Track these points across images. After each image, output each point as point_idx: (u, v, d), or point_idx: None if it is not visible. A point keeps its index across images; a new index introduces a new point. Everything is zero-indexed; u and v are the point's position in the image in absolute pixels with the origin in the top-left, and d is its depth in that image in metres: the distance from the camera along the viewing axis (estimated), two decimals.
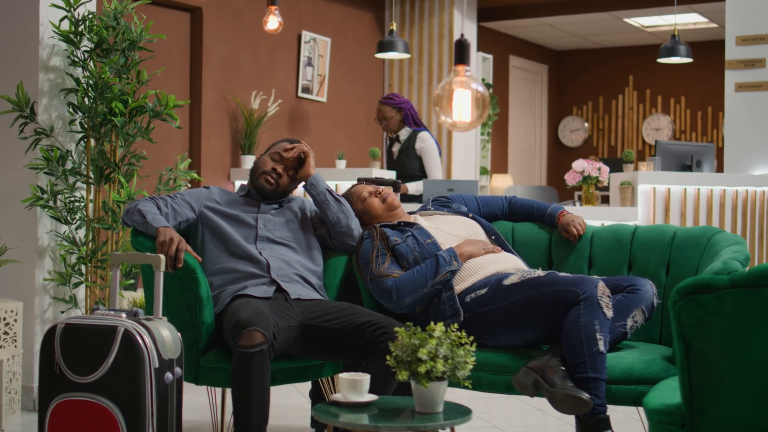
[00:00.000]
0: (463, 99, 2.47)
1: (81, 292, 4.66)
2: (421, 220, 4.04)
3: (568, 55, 11.30)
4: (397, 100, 6.65)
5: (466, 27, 8.68)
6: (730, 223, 6.84)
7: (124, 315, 3.04)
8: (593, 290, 3.36)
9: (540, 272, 3.59)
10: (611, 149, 11.10)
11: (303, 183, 4.04)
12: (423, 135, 6.70)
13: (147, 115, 4.62)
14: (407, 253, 3.80)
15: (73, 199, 4.56)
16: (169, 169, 4.76)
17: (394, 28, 7.44)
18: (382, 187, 4.15)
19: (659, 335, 3.72)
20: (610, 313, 3.38)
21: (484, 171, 9.21)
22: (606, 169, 6.65)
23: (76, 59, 4.55)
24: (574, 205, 7.14)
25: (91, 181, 4.60)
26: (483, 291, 3.63)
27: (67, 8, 4.49)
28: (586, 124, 11.18)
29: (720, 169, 8.35)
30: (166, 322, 3.15)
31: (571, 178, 6.65)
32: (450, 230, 3.94)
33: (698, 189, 6.81)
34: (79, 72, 4.63)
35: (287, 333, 3.43)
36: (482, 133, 9.14)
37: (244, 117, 7.34)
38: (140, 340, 2.95)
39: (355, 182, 4.30)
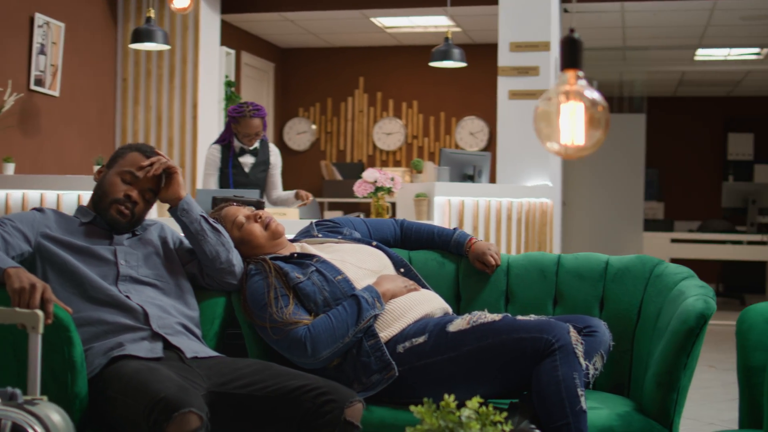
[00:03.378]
0: (575, 115, 1.81)
1: None
2: (314, 250, 3.30)
3: (294, 53, 10.70)
4: (263, 110, 5.75)
5: (208, 18, 7.85)
6: (519, 235, 6.58)
7: None
8: (567, 337, 2.82)
9: (488, 314, 2.99)
10: (340, 153, 10.65)
11: (169, 207, 3.16)
12: (273, 147, 5.95)
13: None
14: (314, 293, 3.05)
15: None
16: None
17: (152, 16, 6.47)
18: (261, 211, 3.36)
19: (611, 383, 3.24)
20: (584, 363, 2.87)
21: None
22: (399, 179, 6.15)
23: None
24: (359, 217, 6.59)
25: None
26: (421, 339, 2.98)
27: None
28: (314, 127, 10.66)
29: (493, 179, 8.14)
30: (51, 404, 2.25)
31: (361, 189, 6.07)
32: (357, 263, 3.23)
33: (489, 201, 6.50)
34: None
35: None
36: None
37: None
38: None
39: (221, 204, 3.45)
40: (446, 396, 2.19)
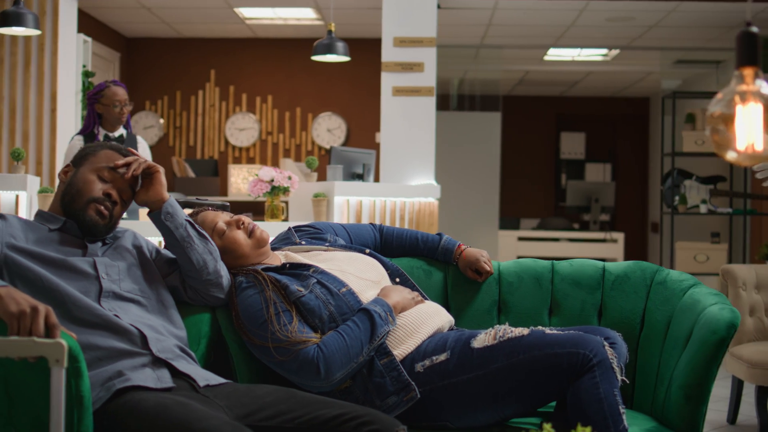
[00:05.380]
0: (753, 117, 1.61)
1: None
2: (303, 259, 2.98)
3: (141, 43, 10.10)
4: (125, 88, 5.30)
5: (66, 4, 7.23)
6: None
7: None
8: (603, 351, 2.65)
9: (512, 328, 2.77)
10: (190, 149, 10.13)
11: (149, 211, 2.78)
12: (142, 140, 5.49)
13: None
14: (318, 308, 2.76)
15: None
16: None
17: None
18: (241, 216, 3.01)
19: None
20: (620, 378, 2.71)
21: None
22: (296, 178, 5.84)
23: None
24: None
25: None
26: (443, 356, 2.73)
27: None
28: (162, 121, 10.10)
29: (377, 177, 7.90)
30: None
31: (257, 189, 5.73)
32: (357, 273, 2.95)
33: (385, 201, 6.27)
34: None
35: None
36: None
37: None
38: None
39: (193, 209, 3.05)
40: (546, 426, 1.94)
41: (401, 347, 2.77)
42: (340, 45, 6.87)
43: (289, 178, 5.79)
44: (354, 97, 9.95)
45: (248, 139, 10.04)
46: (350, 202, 6.02)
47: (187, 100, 10.12)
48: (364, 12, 8.56)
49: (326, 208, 5.87)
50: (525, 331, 2.72)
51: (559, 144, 13.87)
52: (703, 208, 8.01)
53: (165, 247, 2.86)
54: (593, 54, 10.54)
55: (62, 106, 7.26)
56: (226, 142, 10.08)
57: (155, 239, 3.69)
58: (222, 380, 2.53)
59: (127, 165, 2.70)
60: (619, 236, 10.54)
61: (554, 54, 10.49)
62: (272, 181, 5.75)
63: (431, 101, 6.98)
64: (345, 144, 9.84)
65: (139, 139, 5.67)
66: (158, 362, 2.47)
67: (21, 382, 2.19)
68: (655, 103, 13.01)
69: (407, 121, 6.97)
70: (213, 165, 9.63)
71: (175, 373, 2.47)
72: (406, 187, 6.50)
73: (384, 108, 6.98)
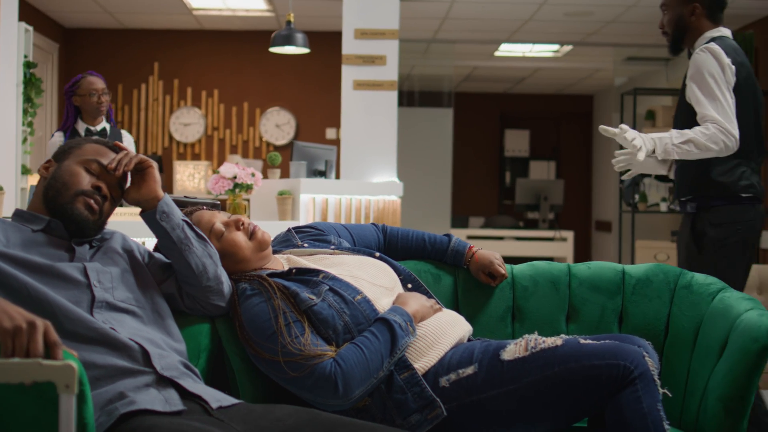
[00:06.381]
0: None
1: None
2: (309, 263, 2.73)
3: (81, 34, 9.66)
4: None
5: None
6: None
7: None
8: (644, 362, 2.45)
9: (542, 337, 2.55)
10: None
11: (141, 211, 2.50)
12: (127, 134, 5.21)
13: None
14: (332, 318, 2.50)
15: None
16: None
17: None
18: (240, 216, 2.74)
19: None
20: (662, 391, 2.52)
21: (25, 170, 7.37)
22: (259, 175, 5.56)
23: None
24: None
25: None
26: (470, 370, 2.50)
27: None
28: None
29: (337, 174, 7.63)
30: None
31: (219, 186, 5.44)
32: (370, 278, 2.70)
33: (350, 199, 6.02)
34: None
35: None
36: (24, 124, 7.30)
37: None
38: None
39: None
40: None
41: (422, 360, 2.53)
42: (299, 36, 6.61)
43: (253, 174, 5.51)
44: (303, 92, 9.67)
45: (193, 135, 9.68)
46: (316, 201, 5.76)
47: (130, 94, 9.72)
48: (317, 4, 8.29)
49: (291, 206, 5.60)
50: (558, 341, 2.50)
51: (504, 142, 13.75)
52: (663, 206, 7.91)
53: (158, 250, 2.59)
54: (544, 50, 10.40)
55: (2, 98, 6.84)
56: (171, 138, 9.71)
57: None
58: (234, 400, 2.26)
59: (117, 161, 2.42)
60: (569, 235, 10.44)
61: (506, 50, 10.33)
62: (235, 177, 5.46)
63: (393, 96, 6.74)
64: (294, 140, 9.55)
65: (124, 132, 5.43)
66: (163, 381, 2.19)
67: (10, 409, 1.90)
68: (600, 100, 12.94)
69: (369, 116, 6.72)
70: (157, 161, 9.25)
71: (183, 393, 2.19)
72: (370, 184, 6.25)
73: (344, 102, 6.71)
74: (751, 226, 3.90)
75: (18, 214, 2.41)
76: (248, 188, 5.53)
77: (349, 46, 6.73)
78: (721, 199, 3.90)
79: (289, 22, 6.65)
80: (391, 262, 2.83)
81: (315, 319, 2.47)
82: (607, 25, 8.79)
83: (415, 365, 2.51)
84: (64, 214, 2.35)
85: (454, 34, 9.54)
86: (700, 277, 2.97)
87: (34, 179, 7.65)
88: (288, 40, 6.59)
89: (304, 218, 5.64)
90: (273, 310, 2.47)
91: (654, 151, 3.72)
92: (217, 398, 2.22)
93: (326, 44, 8.91)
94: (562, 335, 2.59)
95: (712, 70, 3.79)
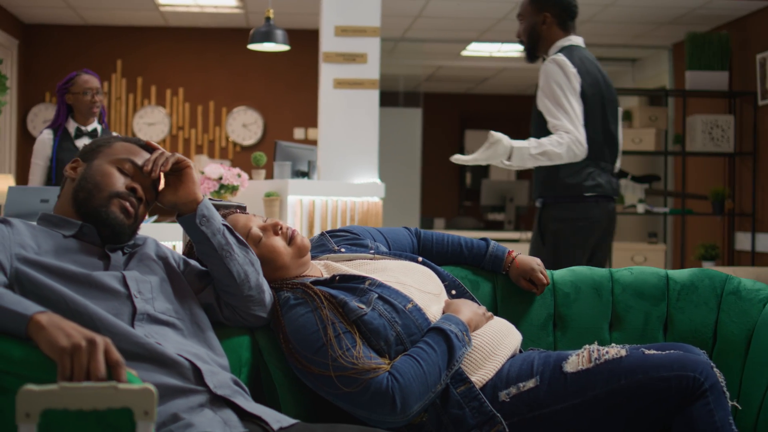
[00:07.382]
0: None
1: None
2: (350, 270, 2.57)
3: (41, 30, 9.34)
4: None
5: None
6: None
7: None
8: (713, 373, 2.34)
9: (605, 348, 2.42)
10: None
11: (178, 215, 2.32)
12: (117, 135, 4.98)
13: None
14: (384, 328, 2.35)
15: None
16: None
17: None
18: (276, 221, 2.57)
19: None
20: (731, 403, 2.41)
21: None
22: (246, 176, 5.39)
23: None
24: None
25: None
26: (531, 383, 2.37)
27: None
28: None
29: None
30: None
31: (204, 188, 5.27)
32: (418, 285, 2.55)
33: (336, 201, 5.85)
34: None
35: None
36: None
37: None
38: None
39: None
40: None
41: (479, 372, 2.39)
42: (279, 33, 6.45)
43: (239, 175, 5.34)
44: (271, 91, 9.46)
45: (158, 134, 9.42)
46: (303, 202, 5.58)
47: None
48: (291, 0, 8.09)
49: (279, 208, 5.42)
50: (622, 351, 2.37)
51: (464, 142, 13.66)
52: (640, 208, 7.86)
53: (196, 256, 2.41)
54: (512, 50, 10.32)
55: None
56: (134, 136, 9.44)
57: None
58: (292, 420, 2.09)
59: (153, 162, 2.23)
60: None
61: (473, 49, 10.23)
62: (221, 178, 5.29)
63: (375, 94, 6.58)
64: (261, 141, 9.34)
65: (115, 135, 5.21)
66: (217, 401, 2.02)
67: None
68: None
69: (349, 115, 6.55)
70: None
71: (240, 414, 2.02)
72: (354, 186, 6.08)
73: (323, 101, 6.53)
74: (593, 222, 4.15)
75: (45, 218, 2.22)
76: (234, 189, 5.36)
77: (329, 43, 6.55)
78: (567, 198, 4.16)
79: (268, 19, 6.47)
80: (434, 267, 2.68)
81: (365, 329, 2.32)
82: (581, 24, 8.72)
83: (472, 378, 2.37)
84: (97, 217, 2.17)
85: (423, 33, 9.41)
86: (747, 283, 2.86)
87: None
88: (267, 37, 6.42)
89: (291, 220, 5.46)
90: (321, 320, 2.30)
91: (509, 158, 3.93)
92: (276, 418, 2.05)
93: (295, 42, 8.71)
94: (625, 345, 2.46)
95: (559, 80, 4.04)
